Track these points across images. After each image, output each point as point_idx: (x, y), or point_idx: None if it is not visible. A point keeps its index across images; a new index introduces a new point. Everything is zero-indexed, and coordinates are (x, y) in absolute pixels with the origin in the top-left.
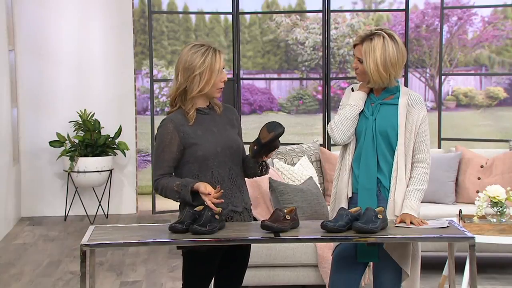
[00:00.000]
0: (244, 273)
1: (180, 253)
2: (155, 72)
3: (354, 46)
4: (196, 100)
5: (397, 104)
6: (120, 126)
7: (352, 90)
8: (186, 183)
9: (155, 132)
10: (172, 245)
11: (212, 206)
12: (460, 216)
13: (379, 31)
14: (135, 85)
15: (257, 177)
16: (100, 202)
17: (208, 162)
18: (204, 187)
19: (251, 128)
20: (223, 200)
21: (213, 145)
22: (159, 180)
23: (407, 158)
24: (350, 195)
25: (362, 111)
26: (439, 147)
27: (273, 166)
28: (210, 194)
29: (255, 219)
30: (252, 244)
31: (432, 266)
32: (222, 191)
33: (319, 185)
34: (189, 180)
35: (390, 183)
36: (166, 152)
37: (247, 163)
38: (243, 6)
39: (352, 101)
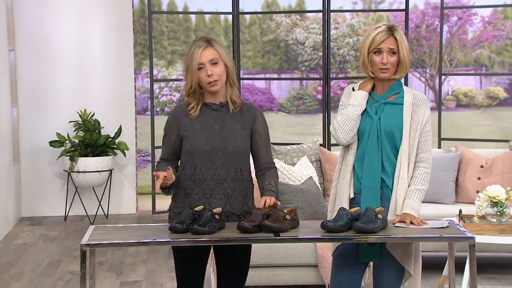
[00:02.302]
0: (246, 273)
1: None
2: (155, 72)
3: (381, 42)
4: (205, 95)
5: (402, 104)
6: (120, 126)
7: (353, 89)
8: (157, 169)
9: (155, 132)
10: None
11: (158, 184)
12: (460, 216)
13: (390, 23)
14: (135, 85)
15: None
16: (100, 202)
17: (193, 157)
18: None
19: None
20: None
21: (203, 142)
22: (156, 164)
23: (410, 158)
24: (352, 196)
25: (364, 110)
26: (439, 147)
27: None
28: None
29: None
30: (252, 244)
31: (432, 266)
32: (167, 171)
33: (319, 185)
34: (162, 168)
35: (393, 182)
36: (167, 138)
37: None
38: (243, 6)
39: (354, 100)
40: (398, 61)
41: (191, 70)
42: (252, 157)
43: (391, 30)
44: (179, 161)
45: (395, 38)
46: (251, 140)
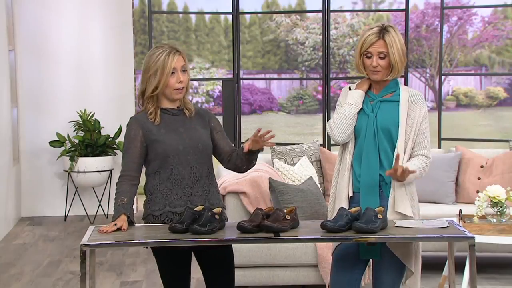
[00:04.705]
0: (233, 273)
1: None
2: None
3: (370, 45)
4: (161, 100)
5: (398, 101)
6: (120, 126)
7: (350, 89)
8: (118, 210)
9: None
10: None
11: (103, 230)
12: (460, 216)
13: (384, 24)
14: (135, 85)
15: (257, 177)
16: (100, 202)
17: (168, 159)
18: (108, 226)
19: (250, 128)
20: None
21: (175, 143)
22: (119, 181)
23: (406, 154)
24: (350, 194)
25: (361, 109)
26: (439, 147)
27: (273, 166)
28: (106, 232)
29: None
30: (252, 244)
31: (432, 266)
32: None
33: (319, 185)
34: (121, 209)
35: (391, 180)
36: (131, 147)
37: (239, 157)
38: (243, 6)
39: (351, 99)
40: (389, 63)
41: (161, 73)
42: (216, 153)
43: (381, 32)
44: (148, 168)
45: (385, 41)
46: (212, 138)
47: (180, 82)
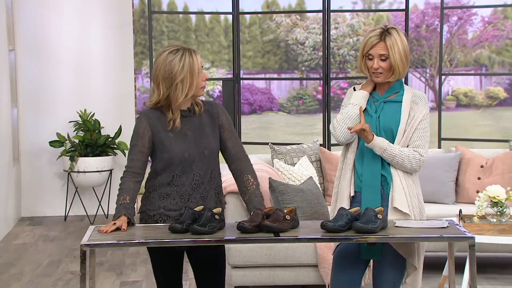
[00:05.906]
0: (224, 274)
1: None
2: None
3: (371, 47)
4: (181, 104)
5: (401, 101)
6: (120, 126)
7: (354, 89)
8: (118, 210)
9: None
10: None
11: (102, 230)
12: (460, 216)
13: (387, 26)
14: (135, 85)
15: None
16: (100, 202)
17: (172, 166)
18: (107, 226)
19: (250, 128)
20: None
21: (180, 150)
22: (124, 176)
23: None
24: (352, 194)
25: (365, 109)
26: (439, 147)
27: (273, 166)
28: (106, 232)
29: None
30: (252, 244)
31: (432, 266)
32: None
33: (319, 185)
34: (121, 210)
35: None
36: (138, 145)
37: (243, 196)
38: (243, 6)
39: (354, 100)
40: (390, 65)
41: (191, 76)
42: (222, 151)
43: (383, 34)
44: (152, 166)
45: (386, 43)
46: (220, 136)
47: (205, 79)
